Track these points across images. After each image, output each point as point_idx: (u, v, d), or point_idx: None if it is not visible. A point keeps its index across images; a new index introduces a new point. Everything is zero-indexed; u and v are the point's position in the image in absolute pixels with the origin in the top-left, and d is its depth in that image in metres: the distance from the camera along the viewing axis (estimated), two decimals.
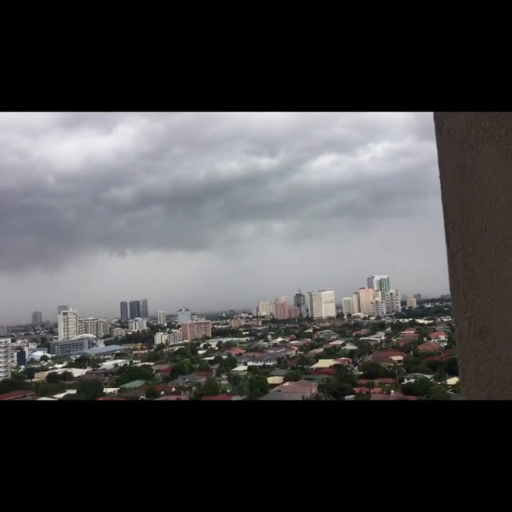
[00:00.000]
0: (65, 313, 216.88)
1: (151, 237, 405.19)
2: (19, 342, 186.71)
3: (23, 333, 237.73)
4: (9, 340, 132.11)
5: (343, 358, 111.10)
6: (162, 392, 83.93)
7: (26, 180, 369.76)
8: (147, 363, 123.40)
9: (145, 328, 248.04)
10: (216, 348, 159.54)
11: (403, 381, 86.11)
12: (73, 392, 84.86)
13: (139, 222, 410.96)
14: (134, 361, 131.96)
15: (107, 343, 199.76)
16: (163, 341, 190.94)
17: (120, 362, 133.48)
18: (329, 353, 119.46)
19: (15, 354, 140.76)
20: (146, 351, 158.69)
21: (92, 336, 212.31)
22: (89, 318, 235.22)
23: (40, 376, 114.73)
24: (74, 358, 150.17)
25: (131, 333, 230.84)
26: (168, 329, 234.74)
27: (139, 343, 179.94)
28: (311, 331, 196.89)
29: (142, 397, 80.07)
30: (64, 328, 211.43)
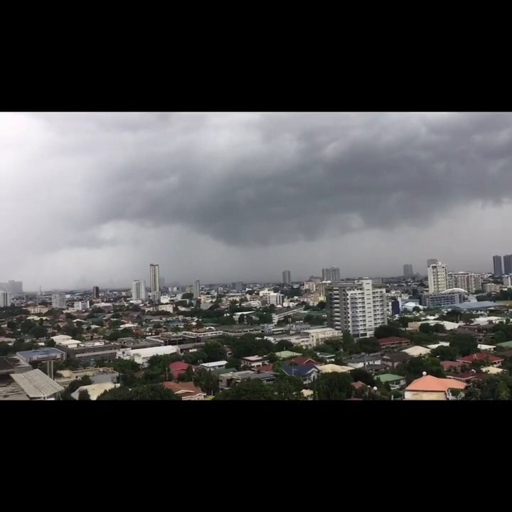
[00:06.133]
0: (434, 267, 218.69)
1: None
2: (393, 292, 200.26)
3: (395, 285, 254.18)
4: (384, 290, 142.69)
5: None
6: None
7: (402, 135, 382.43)
8: None
9: None
10: None
11: None
12: (446, 344, 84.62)
13: None
14: (510, 320, 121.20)
15: (479, 299, 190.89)
16: None
17: (495, 319, 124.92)
18: None
19: (389, 303, 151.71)
20: None
21: (463, 290, 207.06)
22: (459, 273, 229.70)
23: (413, 326, 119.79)
24: (445, 312, 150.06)
25: (506, 289, 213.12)
26: None
27: None
28: None
29: None
30: (434, 282, 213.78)
